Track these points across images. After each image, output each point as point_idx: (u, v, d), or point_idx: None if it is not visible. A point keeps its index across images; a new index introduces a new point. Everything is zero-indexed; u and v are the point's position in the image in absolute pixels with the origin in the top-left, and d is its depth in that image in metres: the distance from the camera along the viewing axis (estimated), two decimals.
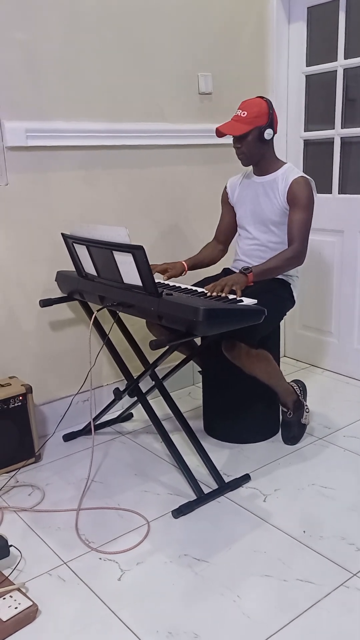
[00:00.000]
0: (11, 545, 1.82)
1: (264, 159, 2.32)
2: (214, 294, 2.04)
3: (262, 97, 2.25)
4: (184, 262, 2.45)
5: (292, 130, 3.21)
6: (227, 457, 2.40)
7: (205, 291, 2.08)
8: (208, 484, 2.19)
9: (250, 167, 2.44)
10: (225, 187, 2.52)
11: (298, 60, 3.10)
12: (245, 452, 2.44)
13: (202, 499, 2.07)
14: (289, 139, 3.23)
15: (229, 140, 2.92)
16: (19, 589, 1.64)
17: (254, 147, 2.26)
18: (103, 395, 2.82)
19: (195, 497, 2.08)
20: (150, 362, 2.38)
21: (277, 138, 3.20)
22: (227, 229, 2.56)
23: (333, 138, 3.03)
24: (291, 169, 2.31)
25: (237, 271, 2.30)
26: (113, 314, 2.46)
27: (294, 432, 2.49)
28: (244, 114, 2.21)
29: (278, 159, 2.36)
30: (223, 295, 2.03)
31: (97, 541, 1.90)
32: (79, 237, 2.12)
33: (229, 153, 2.98)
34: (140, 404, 2.30)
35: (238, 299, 1.99)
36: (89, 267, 2.19)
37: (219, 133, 2.25)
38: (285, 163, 2.35)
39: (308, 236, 2.28)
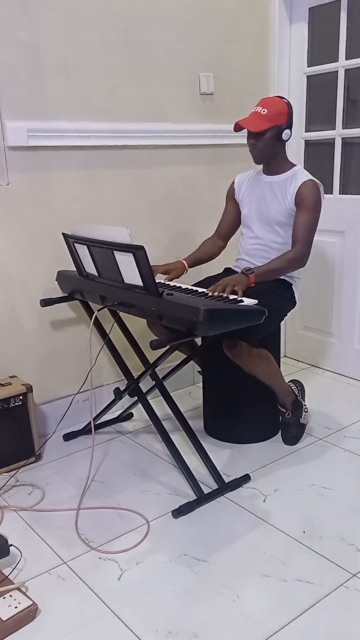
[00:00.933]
0: (11, 545, 1.82)
1: (276, 159, 2.32)
2: (215, 294, 2.04)
3: (282, 98, 2.26)
4: (184, 261, 2.45)
5: (294, 130, 3.20)
6: (227, 457, 2.41)
7: (206, 291, 2.08)
8: (208, 484, 2.19)
9: (260, 166, 2.44)
10: (233, 183, 2.51)
11: (299, 61, 3.10)
12: (245, 452, 2.44)
13: (202, 499, 2.08)
14: (290, 139, 3.22)
15: (231, 140, 2.94)
16: (18, 588, 1.65)
17: (269, 145, 2.25)
18: (103, 395, 2.82)
19: (195, 497, 2.08)
20: (151, 361, 2.38)
21: None
22: (230, 225, 2.55)
23: (334, 139, 3.03)
24: (301, 172, 2.31)
25: (239, 271, 2.31)
26: (114, 313, 2.47)
27: (294, 432, 2.49)
28: (264, 111, 2.20)
29: (289, 160, 2.36)
30: (224, 295, 2.03)
31: (97, 541, 1.91)
32: (79, 236, 2.13)
33: (231, 153, 2.99)
34: (140, 404, 2.30)
35: (239, 299, 1.99)
36: (90, 267, 2.20)
37: (237, 127, 2.24)
38: (295, 165, 2.35)
39: (312, 239, 2.28)
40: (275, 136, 2.24)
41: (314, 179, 2.28)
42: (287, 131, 2.25)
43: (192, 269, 2.83)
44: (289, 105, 2.25)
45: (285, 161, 2.35)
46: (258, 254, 2.41)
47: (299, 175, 2.29)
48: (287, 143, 3.20)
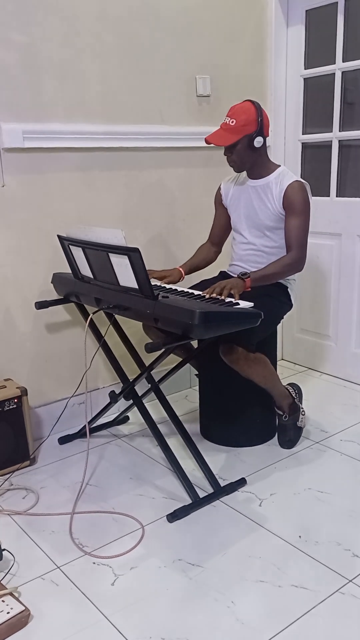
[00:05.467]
0: (4, 549, 1.81)
1: (256, 164, 2.30)
2: (213, 295, 2.03)
3: (251, 101, 2.20)
4: (180, 269, 2.44)
5: (290, 133, 3.20)
6: (223, 460, 2.39)
7: (202, 294, 2.07)
8: (204, 487, 2.18)
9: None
10: (219, 189, 2.51)
11: (296, 63, 3.10)
12: (241, 455, 2.43)
13: (198, 503, 2.06)
14: (287, 142, 3.23)
15: None
16: (11, 594, 1.63)
17: (244, 155, 2.23)
18: (99, 398, 2.80)
19: (190, 501, 2.06)
20: (147, 364, 2.37)
21: (275, 141, 3.19)
22: (221, 230, 2.55)
23: (331, 141, 3.02)
24: (285, 173, 2.29)
25: (234, 275, 2.30)
26: (109, 316, 2.45)
27: (290, 436, 2.47)
28: (232, 122, 2.17)
29: (271, 162, 2.34)
30: (221, 298, 2.02)
31: (91, 545, 1.89)
32: (75, 239, 2.12)
33: None
34: (136, 407, 2.28)
35: (235, 302, 1.98)
36: (85, 270, 2.18)
37: (208, 142, 2.23)
38: (279, 166, 2.33)
39: (306, 242, 2.27)
40: (247, 145, 2.20)
41: (300, 179, 2.26)
42: (258, 138, 2.19)
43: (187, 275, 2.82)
44: (257, 110, 2.18)
45: (267, 164, 2.32)
46: (251, 259, 2.40)
47: (284, 177, 2.27)
48: (281, 146, 3.22)
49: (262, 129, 2.20)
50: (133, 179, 2.69)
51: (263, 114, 2.20)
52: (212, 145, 2.24)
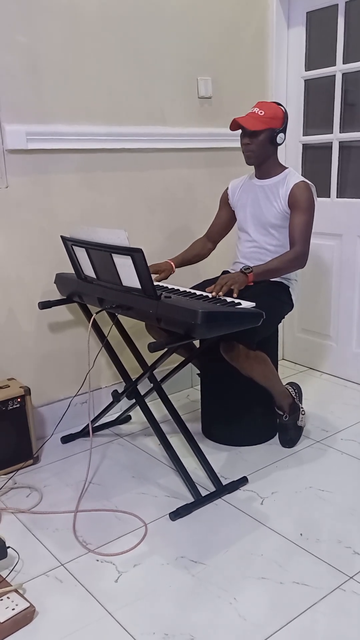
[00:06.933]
0: (9, 547, 1.82)
1: (267, 162, 2.34)
2: (213, 294, 2.05)
3: (279, 104, 2.29)
4: (171, 262, 2.46)
5: (291, 134, 3.22)
6: (224, 459, 2.41)
7: (204, 294, 2.09)
8: (206, 486, 2.19)
9: (252, 171, 2.45)
10: (227, 188, 2.54)
11: (297, 65, 3.12)
12: (243, 454, 2.44)
13: (200, 501, 2.08)
14: (288, 143, 3.24)
15: (229, 144, 2.95)
16: (16, 590, 1.65)
17: (262, 147, 2.28)
18: (101, 398, 2.82)
19: (192, 500, 2.08)
20: (149, 364, 2.39)
21: None
22: (221, 229, 2.58)
23: (331, 142, 3.04)
24: (292, 174, 2.33)
25: None
26: (112, 316, 2.47)
27: (291, 435, 2.49)
28: (261, 112, 2.24)
29: (280, 164, 2.38)
30: (221, 294, 2.04)
31: (94, 543, 1.91)
32: (78, 239, 2.13)
33: (229, 156, 3.00)
34: (138, 407, 2.30)
35: (237, 302, 1.99)
36: (88, 270, 2.20)
37: (235, 125, 2.26)
38: (287, 168, 2.37)
39: (309, 239, 2.29)
40: (269, 139, 2.27)
41: (306, 180, 2.30)
42: (281, 135, 2.28)
43: (190, 272, 2.85)
44: (284, 111, 2.29)
45: (276, 165, 2.37)
46: (254, 256, 2.43)
47: (291, 177, 2.32)
48: (282, 147, 3.23)
49: (285, 128, 2.29)
50: (135, 180, 2.71)
51: (287, 118, 2.30)
52: (235, 130, 2.28)
